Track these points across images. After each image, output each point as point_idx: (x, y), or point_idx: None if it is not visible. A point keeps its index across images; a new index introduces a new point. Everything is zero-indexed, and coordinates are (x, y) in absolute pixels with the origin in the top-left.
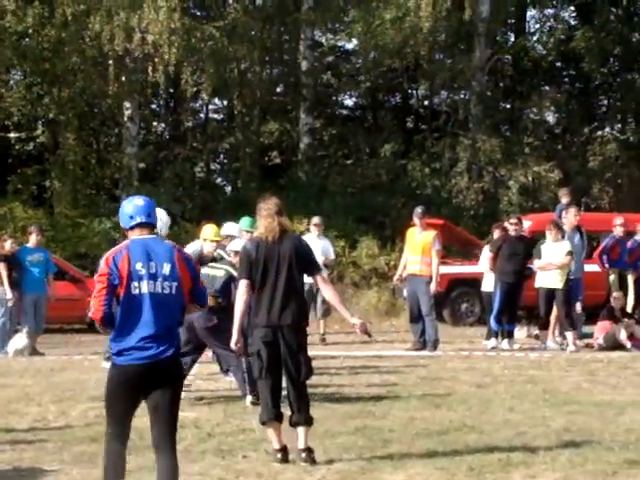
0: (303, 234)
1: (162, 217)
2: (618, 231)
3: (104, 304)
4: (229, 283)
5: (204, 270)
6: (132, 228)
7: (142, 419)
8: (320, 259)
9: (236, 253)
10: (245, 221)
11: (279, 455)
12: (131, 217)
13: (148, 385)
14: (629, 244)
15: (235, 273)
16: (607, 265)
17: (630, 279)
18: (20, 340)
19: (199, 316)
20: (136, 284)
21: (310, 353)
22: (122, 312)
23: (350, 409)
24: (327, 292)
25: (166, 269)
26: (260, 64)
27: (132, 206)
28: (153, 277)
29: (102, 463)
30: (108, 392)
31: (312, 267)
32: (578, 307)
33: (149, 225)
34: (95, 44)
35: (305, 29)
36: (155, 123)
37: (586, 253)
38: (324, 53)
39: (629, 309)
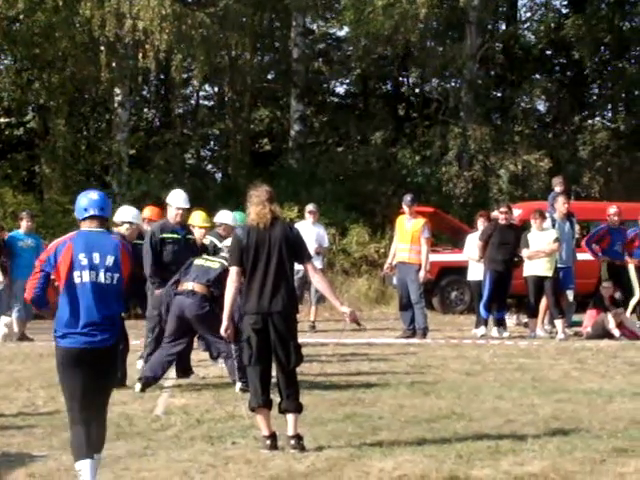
0: (293, 221)
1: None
2: (613, 220)
3: (35, 287)
4: (225, 276)
5: (198, 260)
6: (84, 219)
7: (132, 406)
8: (314, 246)
9: None
10: (238, 216)
11: (268, 442)
12: (85, 209)
13: (88, 367)
14: (630, 233)
15: None
16: (600, 254)
17: (632, 269)
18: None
19: (190, 304)
20: (78, 273)
21: (300, 340)
22: (65, 299)
23: (339, 396)
24: (317, 280)
25: (109, 261)
26: (251, 51)
27: (87, 199)
28: (95, 268)
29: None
30: (58, 373)
31: (302, 255)
32: (570, 295)
33: (100, 218)
34: (86, 30)
35: (296, 16)
36: (146, 109)
37: (576, 241)
38: (315, 40)
39: (634, 301)
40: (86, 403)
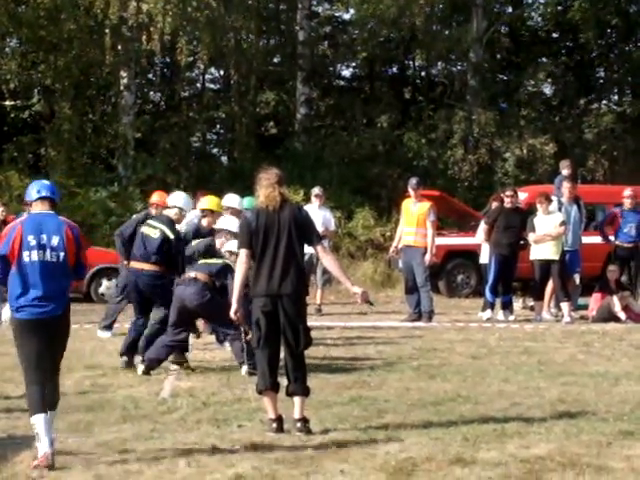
0: (300, 205)
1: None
2: (627, 203)
3: None
4: (226, 271)
5: (201, 261)
6: (36, 201)
7: (138, 389)
8: (321, 229)
9: (231, 254)
10: (247, 201)
11: (274, 425)
12: (38, 191)
13: (41, 335)
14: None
15: (233, 264)
16: (612, 238)
17: None
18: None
19: (190, 294)
20: (27, 253)
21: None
22: (17, 276)
23: (345, 379)
24: (328, 261)
25: (55, 241)
26: (256, 34)
27: (39, 184)
28: (43, 247)
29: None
30: (15, 341)
31: (312, 237)
32: (577, 279)
33: (50, 200)
34: (90, 12)
35: None
36: (151, 92)
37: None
38: (321, 23)
39: None
40: (41, 366)
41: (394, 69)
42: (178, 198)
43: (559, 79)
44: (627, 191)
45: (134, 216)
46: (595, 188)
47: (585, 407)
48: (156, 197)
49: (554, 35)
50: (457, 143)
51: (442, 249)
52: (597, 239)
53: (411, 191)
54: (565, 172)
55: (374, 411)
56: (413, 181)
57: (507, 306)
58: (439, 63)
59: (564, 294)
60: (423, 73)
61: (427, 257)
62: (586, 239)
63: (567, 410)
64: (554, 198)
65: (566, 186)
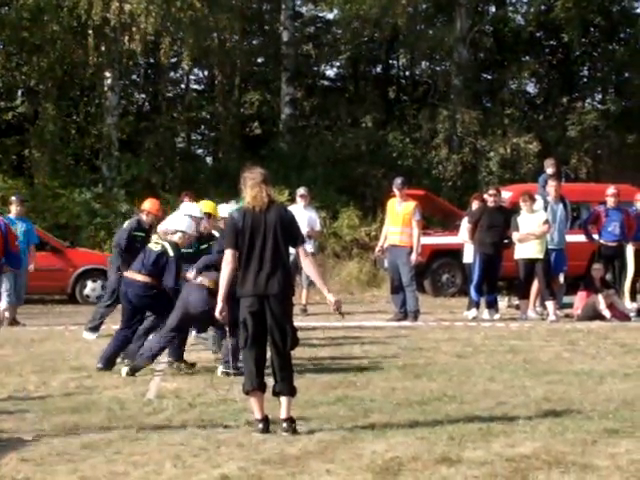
0: (285, 205)
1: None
2: (610, 202)
3: None
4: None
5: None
6: None
7: (124, 390)
8: (306, 230)
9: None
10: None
11: (261, 425)
12: None
13: None
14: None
15: None
16: (597, 236)
17: (630, 250)
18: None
19: (195, 300)
20: None
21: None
22: None
23: (331, 379)
24: (307, 265)
25: None
26: (241, 34)
27: None
28: None
29: None
30: None
31: (295, 238)
32: (561, 278)
33: None
34: (73, 13)
35: None
36: (135, 93)
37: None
38: (305, 23)
39: (628, 282)
40: None
41: (378, 69)
42: (181, 222)
43: (543, 78)
44: (610, 189)
45: (126, 224)
46: (579, 186)
47: (570, 405)
48: (148, 205)
49: (537, 34)
50: (441, 142)
51: (427, 248)
52: (582, 238)
53: (396, 191)
54: (549, 171)
55: (360, 411)
56: (398, 181)
57: (492, 305)
58: (423, 63)
59: (549, 293)
60: (407, 73)
61: (413, 256)
62: (571, 238)
63: (552, 409)
64: (539, 197)
65: (551, 185)
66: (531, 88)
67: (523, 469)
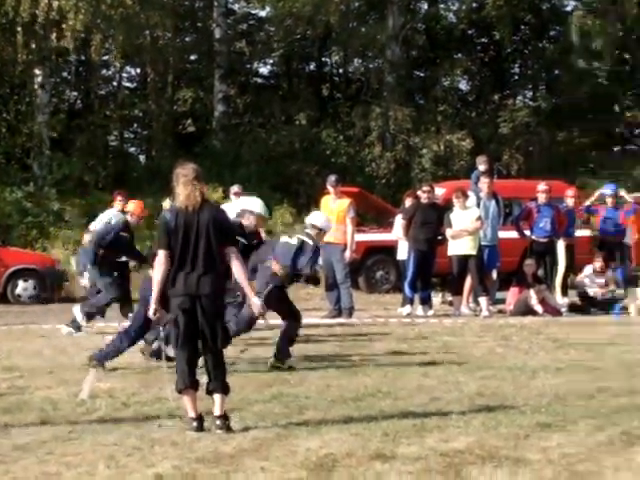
0: (219, 203)
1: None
2: (541, 198)
3: None
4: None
5: None
6: None
7: (57, 390)
8: None
9: None
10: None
11: (195, 424)
12: None
13: None
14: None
15: None
16: (528, 233)
17: (561, 246)
18: None
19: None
20: None
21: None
22: None
23: (266, 377)
24: (235, 267)
25: None
26: (173, 31)
27: None
28: None
29: None
30: None
31: (228, 238)
32: (494, 274)
33: None
34: (1, 10)
35: None
36: (67, 91)
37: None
38: (237, 20)
39: (559, 278)
40: None
41: (311, 66)
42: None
43: (475, 75)
44: (541, 185)
45: (112, 222)
46: (511, 183)
47: (503, 400)
48: (132, 206)
49: (470, 32)
50: (374, 140)
51: (362, 245)
52: (514, 234)
53: (330, 188)
54: (482, 167)
55: (295, 408)
56: (332, 178)
57: (426, 301)
58: (356, 60)
59: (482, 289)
60: (340, 70)
61: (347, 254)
62: (503, 234)
63: (486, 404)
64: (471, 193)
65: (484, 181)
66: (463, 85)
67: (457, 464)
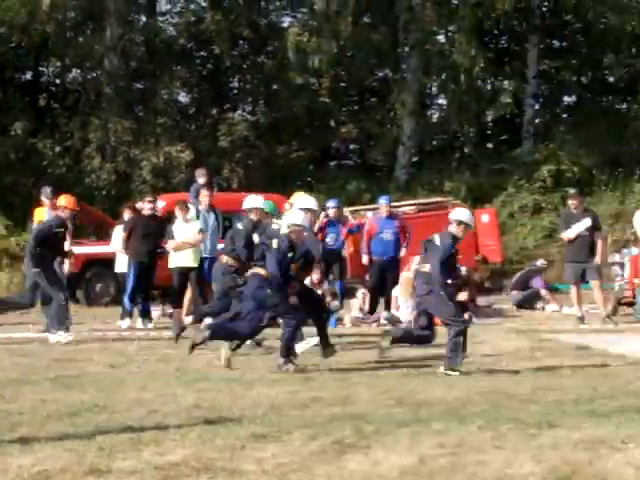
0: None
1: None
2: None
3: None
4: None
5: None
6: None
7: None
8: None
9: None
10: (268, 204)
11: None
12: None
13: None
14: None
15: None
16: None
17: None
18: None
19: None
20: None
21: None
22: None
23: None
24: None
25: None
26: None
27: None
28: None
29: None
30: None
31: None
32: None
33: None
34: None
35: None
36: None
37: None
38: None
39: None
40: None
41: (27, 76)
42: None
43: (194, 88)
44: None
45: (45, 220)
46: (231, 196)
47: (220, 412)
48: (64, 201)
49: (189, 45)
50: (93, 151)
51: (80, 258)
52: None
53: (45, 200)
54: (201, 180)
55: (7, 425)
56: (47, 190)
57: (146, 314)
58: (73, 70)
59: (203, 301)
60: (57, 80)
61: (65, 267)
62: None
63: (203, 415)
64: (191, 206)
65: (204, 194)
66: (183, 98)
67: (172, 477)
